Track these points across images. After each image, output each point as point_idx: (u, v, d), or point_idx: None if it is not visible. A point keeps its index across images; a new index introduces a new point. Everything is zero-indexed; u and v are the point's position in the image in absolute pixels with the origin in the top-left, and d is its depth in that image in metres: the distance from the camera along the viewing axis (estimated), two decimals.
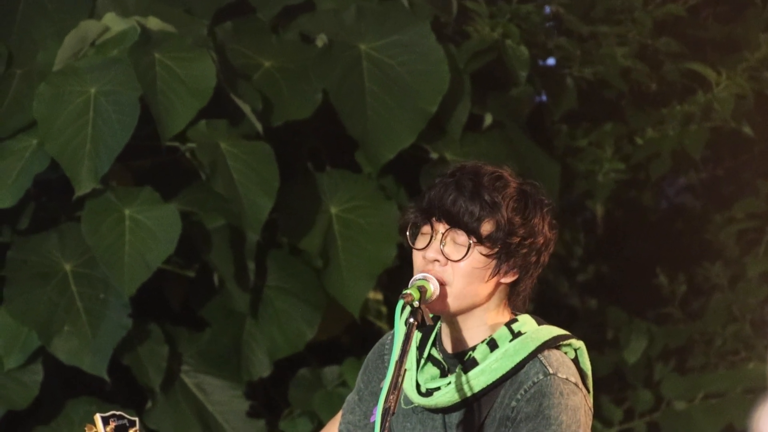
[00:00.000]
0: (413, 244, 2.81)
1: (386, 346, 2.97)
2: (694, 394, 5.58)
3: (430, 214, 2.79)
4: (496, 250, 2.76)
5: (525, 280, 2.82)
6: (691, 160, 5.78)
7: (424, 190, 2.86)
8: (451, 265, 2.77)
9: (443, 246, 2.78)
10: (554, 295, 5.99)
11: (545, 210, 2.82)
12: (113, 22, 4.87)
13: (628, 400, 5.70)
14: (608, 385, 5.73)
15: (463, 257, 2.76)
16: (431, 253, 2.78)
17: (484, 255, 2.77)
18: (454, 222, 2.77)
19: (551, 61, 5.68)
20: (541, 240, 2.80)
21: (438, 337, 2.88)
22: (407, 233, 2.82)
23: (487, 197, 2.77)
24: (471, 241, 2.76)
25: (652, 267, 5.90)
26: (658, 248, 6.12)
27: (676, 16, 5.72)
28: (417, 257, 2.81)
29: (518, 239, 2.77)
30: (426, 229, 2.80)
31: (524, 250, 2.78)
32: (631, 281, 6.09)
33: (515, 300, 2.84)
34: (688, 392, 5.59)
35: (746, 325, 5.71)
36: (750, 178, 5.93)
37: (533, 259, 2.80)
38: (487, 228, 2.77)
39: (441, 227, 2.79)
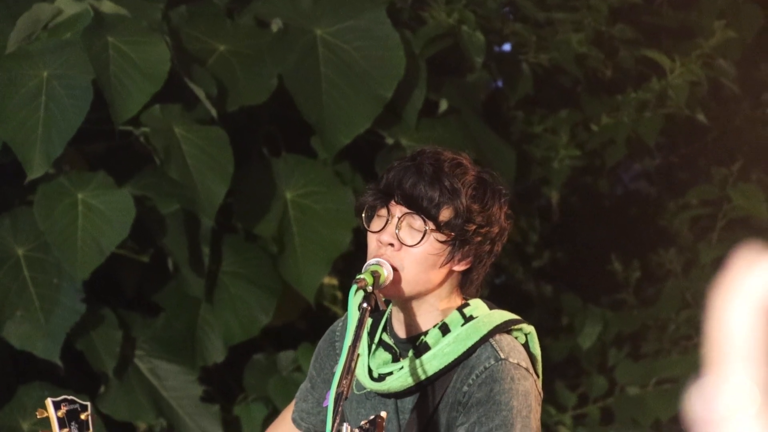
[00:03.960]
0: (368, 226, 2.79)
1: (337, 333, 2.96)
2: (647, 379, 5.61)
3: (389, 196, 2.76)
4: (452, 237, 2.75)
5: (478, 268, 2.80)
6: (645, 146, 5.80)
7: (382, 172, 2.84)
8: (405, 249, 2.75)
9: (398, 230, 2.75)
10: (509, 281, 6.00)
11: (503, 200, 2.80)
12: (66, 5, 4.83)
13: (582, 385, 5.72)
14: (562, 370, 5.75)
15: (418, 243, 2.75)
16: (386, 237, 2.75)
17: (439, 242, 2.75)
18: (413, 206, 2.74)
19: (507, 47, 5.68)
20: (496, 229, 2.79)
21: (389, 322, 2.87)
22: (363, 215, 2.79)
23: (447, 183, 2.74)
24: (427, 227, 2.74)
25: (606, 253, 5.93)
26: (612, 234, 6.14)
27: (631, 3, 5.74)
28: (371, 240, 2.78)
29: (474, 227, 2.75)
30: (382, 211, 2.77)
31: (479, 239, 2.77)
32: (585, 267, 6.12)
33: (468, 288, 2.82)
34: (642, 378, 5.62)
35: (699, 311, 5.74)
36: (704, 165, 5.96)
37: (487, 248, 2.79)
38: (445, 214, 2.75)
39: (398, 211, 2.76)
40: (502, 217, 2.80)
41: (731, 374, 1.02)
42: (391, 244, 2.75)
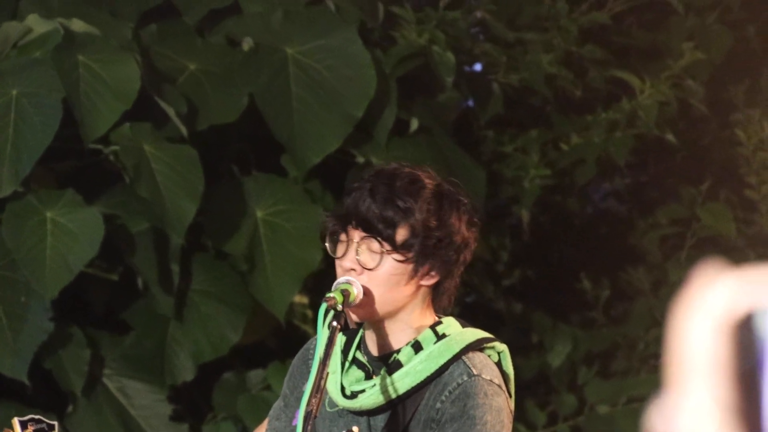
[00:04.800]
0: (333, 252, 2.80)
1: (310, 352, 2.96)
2: (617, 398, 5.62)
3: (346, 221, 2.77)
4: (411, 255, 2.75)
5: (447, 280, 2.80)
6: (615, 166, 5.83)
7: (343, 195, 2.85)
8: (367, 273, 2.74)
9: (358, 255, 2.75)
10: (480, 299, 6.01)
11: (462, 209, 2.79)
12: (36, 24, 4.82)
13: (552, 403, 5.73)
14: (532, 388, 5.75)
15: (377, 266, 2.74)
16: (347, 263, 2.75)
17: (399, 261, 2.75)
18: (369, 229, 2.74)
19: (477, 67, 5.70)
20: (458, 239, 2.77)
21: (362, 340, 2.87)
22: (327, 242, 2.80)
23: (400, 203, 2.73)
24: (383, 249, 2.74)
25: (576, 272, 5.94)
26: (582, 253, 6.16)
27: (600, 23, 5.77)
28: (337, 266, 2.79)
29: (434, 241, 2.75)
30: (344, 237, 2.77)
31: (441, 251, 2.77)
32: (555, 286, 6.13)
33: (439, 300, 2.82)
34: (611, 396, 5.63)
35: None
36: (673, 185, 5.99)
37: (453, 257, 2.78)
38: (401, 234, 2.74)
39: (356, 235, 2.76)
40: (463, 226, 2.79)
41: (691, 392, 1.02)
42: (353, 269, 2.75)
